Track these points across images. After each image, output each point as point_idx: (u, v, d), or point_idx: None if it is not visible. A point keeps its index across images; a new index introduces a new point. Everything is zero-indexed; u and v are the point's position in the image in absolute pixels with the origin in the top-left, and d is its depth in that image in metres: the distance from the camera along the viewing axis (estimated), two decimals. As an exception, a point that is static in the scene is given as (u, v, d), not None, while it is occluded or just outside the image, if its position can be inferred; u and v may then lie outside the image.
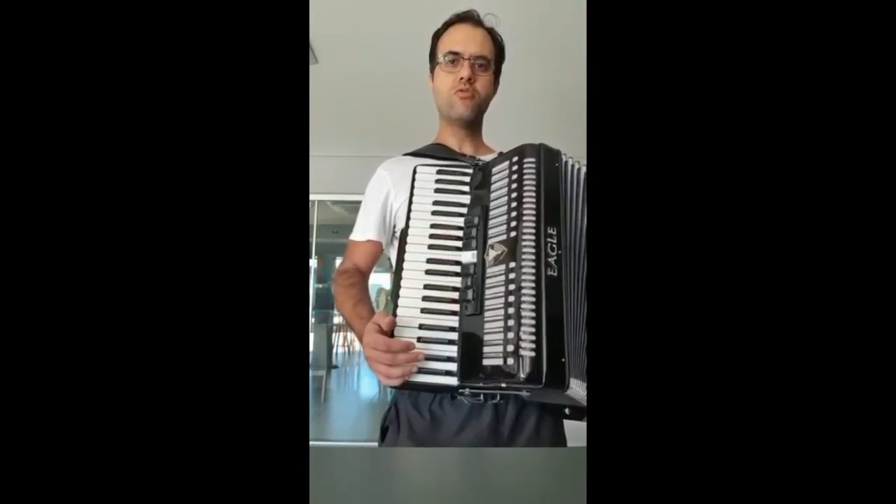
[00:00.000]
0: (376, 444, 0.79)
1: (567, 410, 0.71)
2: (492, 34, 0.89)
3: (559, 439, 0.76)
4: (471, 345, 0.63)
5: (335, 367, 5.11)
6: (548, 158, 0.67)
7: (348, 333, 5.50)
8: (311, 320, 3.84)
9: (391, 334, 0.64)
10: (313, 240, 3.74)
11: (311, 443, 0.32)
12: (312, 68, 2.13)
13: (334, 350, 5.06)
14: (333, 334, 4.94)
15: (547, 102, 2.47)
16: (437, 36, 0.91)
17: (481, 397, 0.66)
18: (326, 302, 4.37)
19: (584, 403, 0.62)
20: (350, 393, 4.87)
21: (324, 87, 2.29)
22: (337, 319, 4.80)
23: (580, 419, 0.69)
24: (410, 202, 0.74)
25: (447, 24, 0.90)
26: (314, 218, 3.70)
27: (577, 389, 0.59)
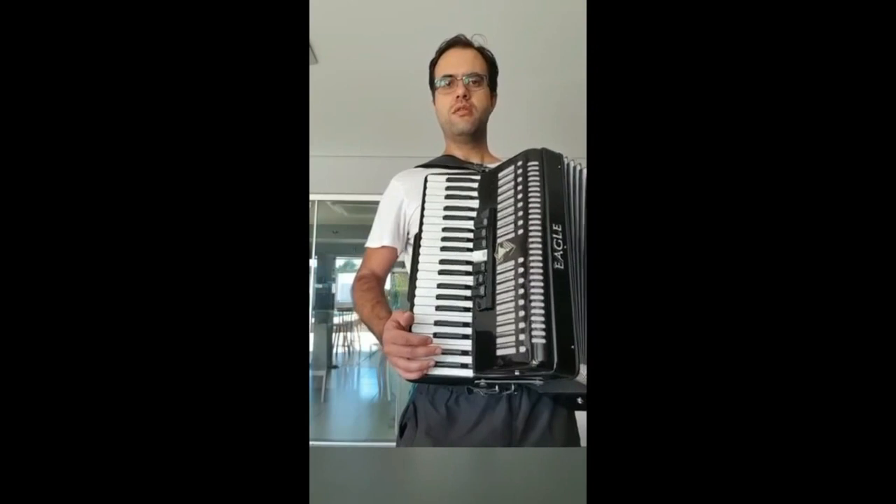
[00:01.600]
0: (376, 443, 0.81)
1: (580, 400, 0.73)
2: (482, 52, 0.95)
3: (572, 433, 0.78)
4: (484, 338, 0.66)
5: (335, 367, 5.11)
6: (550, 161, 0.71)
7: (348, 333, 5.49)
8: (311, 320, 3.84)
9: (409, 330, 0.68)
10: (313, 240, 3.74)
11: (311, 443, 0.32)
12: (312, 68, 2.12)
13: (334, 350, 5.06)
14: (333, 334, 4.93)
15: (548, 107, 2.47)
16: (432, 64, 0.97)
17: (496, 388, 0.69)
18: (326, 302, 4.36)
19: None
20: (350, 393, 4.87)
21: (324, 87, 2.29)
22: (337, 319, 4.80)
23: None
24: (423, 209, 0.78)
25: (439, 52, 0.96)
26: (314, 218, 3.70)
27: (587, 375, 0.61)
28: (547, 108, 2.49)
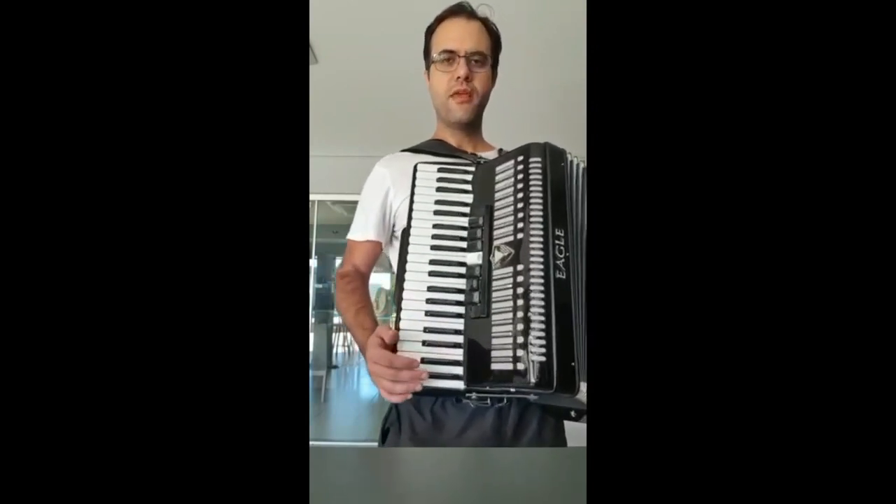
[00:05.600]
0: (376, 444, 0.79)
1: (573, 413, 0.69)
2: (486, 25, 0.84)
3: (560, 440, 0.76)
4: (477, 348, 0.62)
5: (335, 367, 5.11)
6: (553, 158, 0.66)
7: (348, 333, 5.48)
8: (311, 320, 3.84)
9: (394, 347, 0.63)
10: (313, 240, 3.74)
11: (311, 443, 0.32)
12: (312, 68, 2.13)
13: (334, 350, 5.06)
14: (333, 334, 4.93)
15: (548, 97, 2.47)
16: (430, 32, 0.87)
17: (487, 400, 0.66)
18: (326, 302, 4.37)
19: None
20: (350, 393, 4.87)
21: (324, 87, 2.29)
22: (337, 319, 4.80)
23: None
24: (412, 201, 0.72)
25: (439, 19, 0.85)
26: (314, 218, 3.70)
27: (586, 393, 0.58)
28: (550, 95, 2.48)
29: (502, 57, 0.89)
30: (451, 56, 0.81)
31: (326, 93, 2.36)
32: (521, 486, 0.36)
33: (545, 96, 2.42)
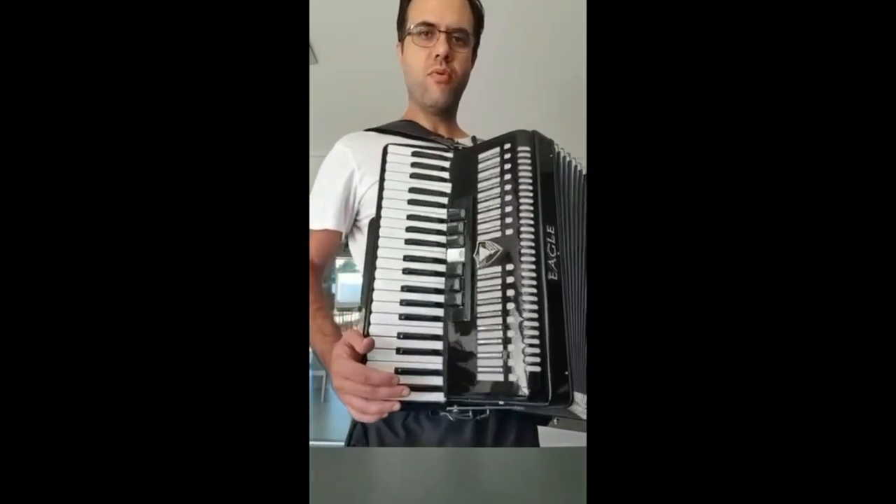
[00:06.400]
0: None
1: (555, 420, 0.65)
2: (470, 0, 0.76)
3: (535, 443, 0.73)
4: (460, 356, 0.56)
5: (335, 367, 5.08)
6: (542, 148, 0.60)
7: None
8: (312, 320, 3.82)
9: (365, 358, 0.54)
10: (313, 240, 3.72)
11: (311, 443, 0.32)
12: (312, 68, 2.13)
13: (334, 350, 5.04)
14: (333, 334, 4.90)
15: (537, 91, 2.46)
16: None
17: (469, 413, 0.59)
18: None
19: (581, 416, 0.56)
20: (350, 393, 4.84)
21: (324, 87, 2.29)
22: (337, 319, 4.78)
23: (578, 429, 0.63)
24: (381, 186, 0.63)
25: None
26: (314, 218, 3.68)
27: (579, 404, 0.54)
28: (538, 98, 2.47)
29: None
30: (429, 30, 0.73)
31: (326, 93, 2.36)
32: (522, 486, 0.36)
33: (534, 89, 2.40)
